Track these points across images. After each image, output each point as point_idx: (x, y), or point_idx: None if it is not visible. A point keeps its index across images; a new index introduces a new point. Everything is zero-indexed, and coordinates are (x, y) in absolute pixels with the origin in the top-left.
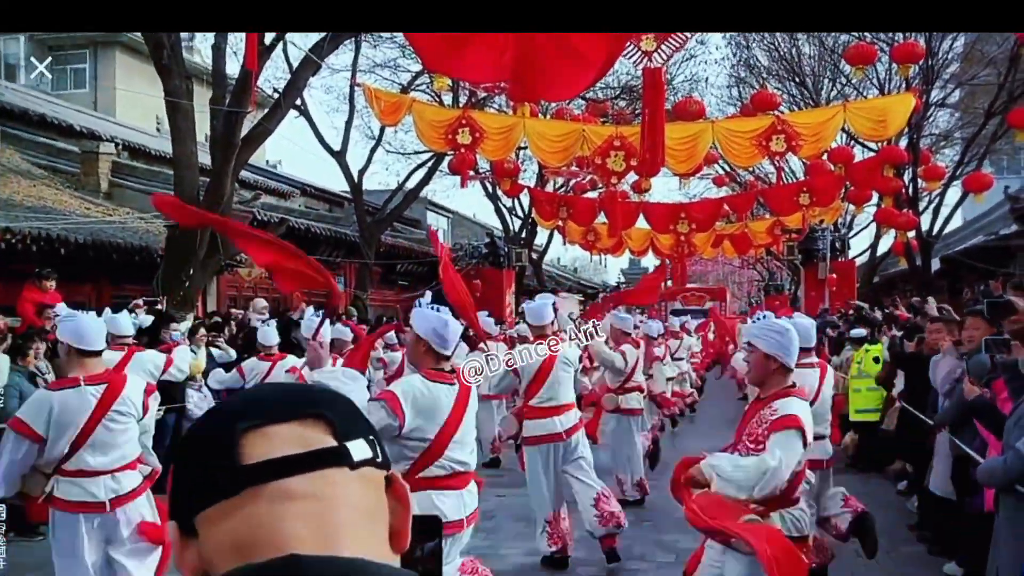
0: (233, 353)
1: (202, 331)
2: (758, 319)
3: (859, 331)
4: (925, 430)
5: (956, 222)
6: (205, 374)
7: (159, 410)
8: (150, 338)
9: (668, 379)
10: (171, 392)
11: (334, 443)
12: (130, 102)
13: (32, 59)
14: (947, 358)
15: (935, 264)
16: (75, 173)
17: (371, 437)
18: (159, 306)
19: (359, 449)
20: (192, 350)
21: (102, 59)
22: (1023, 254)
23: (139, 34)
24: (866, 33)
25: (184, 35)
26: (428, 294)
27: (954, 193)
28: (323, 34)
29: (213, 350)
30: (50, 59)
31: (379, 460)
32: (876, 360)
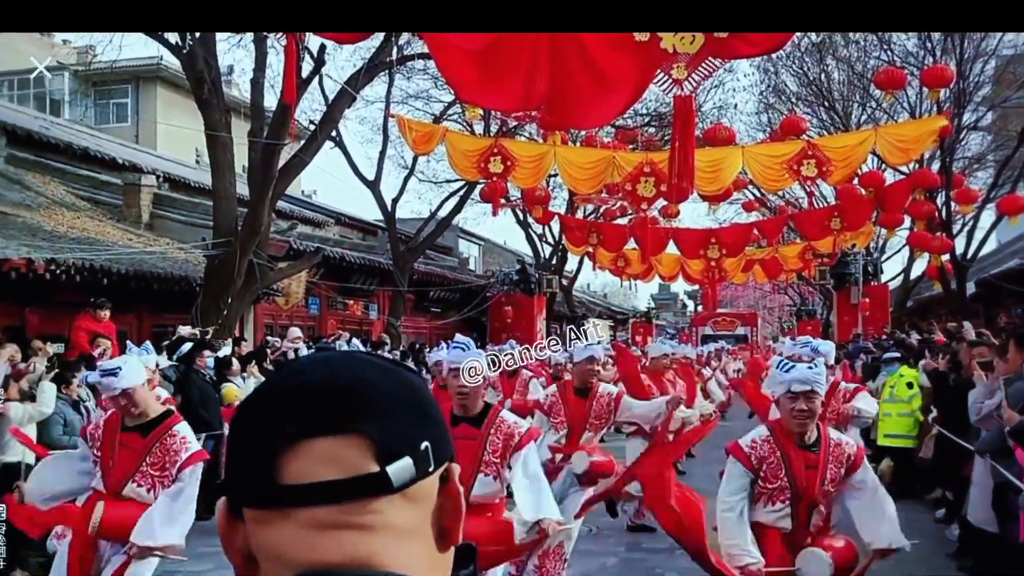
0: None
1: (236, 365)
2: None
3: (893, 353)
4: (963, 456)
5: (991, 245)
6: None
7: (198, 437)
8: (186, 366)
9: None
10: (208, 420)
11: (374, 468)
12: (170, 135)
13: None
14: (978, 385)
15: (970, 288)
16: (117, 205)
17: (423, 446)
18: (208, 336)
19: (401, 471)
20: (233, 383)
21: (143, 93)
22: None
23: (180, 68)
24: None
25: (224, 70)
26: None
27: (988, 216)
28: (358, 67)
29: (251, 381)
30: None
31: (430, 469)
32: (910, 385)
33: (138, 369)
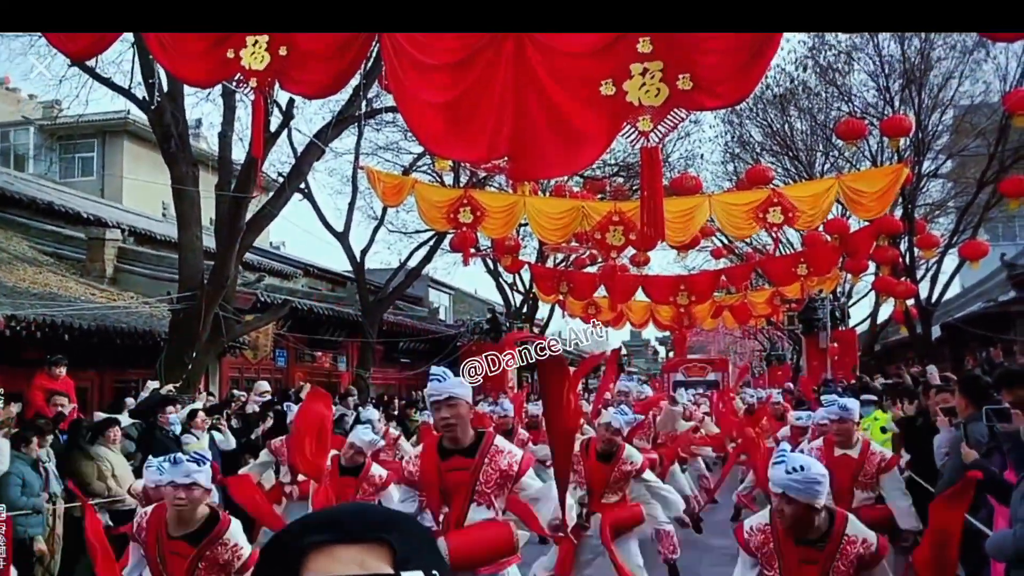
0: (233, 441)
1: (201, 416)
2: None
3: (869, 396)
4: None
5: (955, 289)
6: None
7: None
8: (147, 423)
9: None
10: None
11: (390, 571)
12: (137, 188)
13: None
14: (941, 431)
15: (936, 331)
16: (81, 259)
17: (432, 572)
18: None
19: None
20: (195, 436)
21: (110, 147)
22: (1023, 320)
23: (147, 122)
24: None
25: (191, 123)
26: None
27: (951, 260)
28: (327, 120)
29: (215, 434)
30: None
31: None
32: (883, 430)
33: (208, 474)
